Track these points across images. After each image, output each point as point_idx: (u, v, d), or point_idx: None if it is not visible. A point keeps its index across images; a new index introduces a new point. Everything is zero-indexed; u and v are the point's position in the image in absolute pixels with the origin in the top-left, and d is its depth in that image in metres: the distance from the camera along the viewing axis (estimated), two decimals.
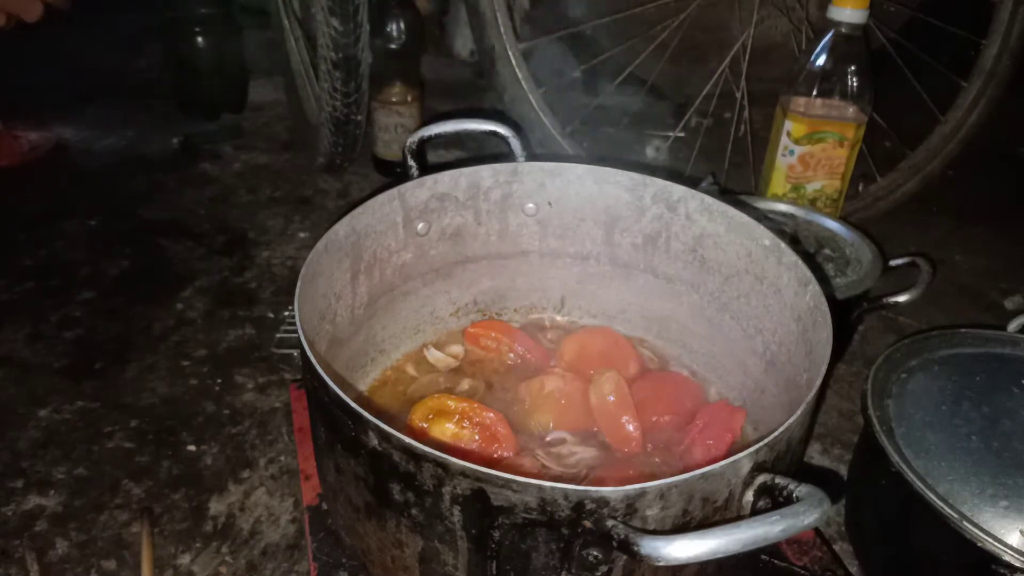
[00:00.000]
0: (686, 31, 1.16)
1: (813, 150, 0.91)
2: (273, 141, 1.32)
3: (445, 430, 0.56)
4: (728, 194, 0.87)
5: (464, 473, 0.36)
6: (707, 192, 0.62)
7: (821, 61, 0.89)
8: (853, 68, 0.88)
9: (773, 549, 0.57)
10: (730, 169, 1.18)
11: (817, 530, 0.60)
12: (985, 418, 0.55)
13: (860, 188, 1.12)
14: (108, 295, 0.90)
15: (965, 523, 0.48)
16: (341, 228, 0.56)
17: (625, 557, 0.36)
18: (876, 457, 0.55)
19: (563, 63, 1.20)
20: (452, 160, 1.27)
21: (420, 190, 0.62)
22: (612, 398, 0.59)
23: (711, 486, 0.37)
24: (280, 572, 0.59)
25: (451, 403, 0.57)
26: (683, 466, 0.56)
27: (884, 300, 0.75)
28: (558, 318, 0.73)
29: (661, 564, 0.32)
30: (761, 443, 0.38)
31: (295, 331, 0.55)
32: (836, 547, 0.62)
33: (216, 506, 0.64)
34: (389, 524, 0.42)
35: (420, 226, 0.63)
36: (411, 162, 0.63)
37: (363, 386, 0.64)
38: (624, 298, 0.70)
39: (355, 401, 0.39)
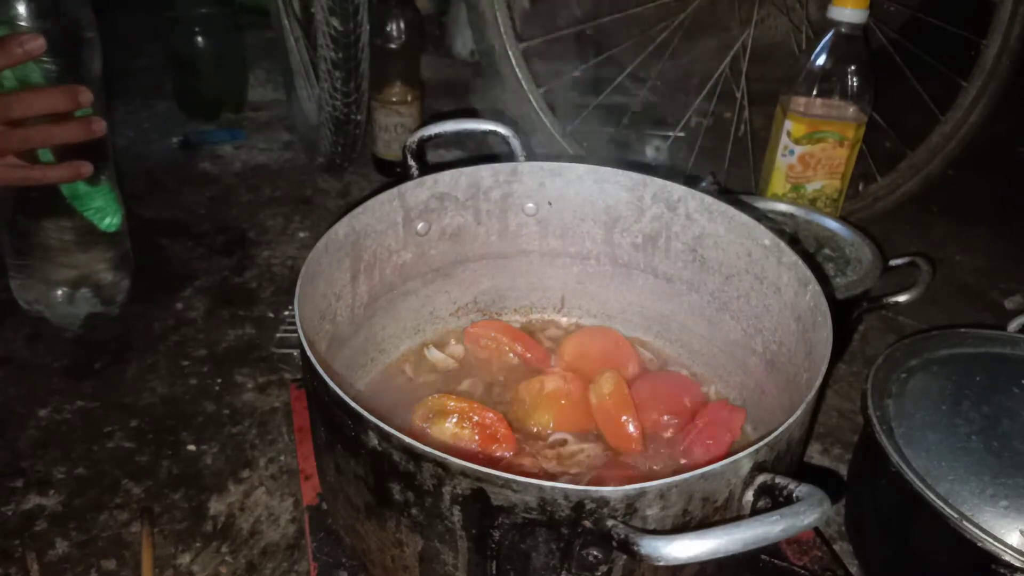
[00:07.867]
0: (686, 31, 1.16)
1: (813, 150, 0.91)
2: (273, 141, 1.32)
3: (445, 430, 0.56)
4: (728, 194, 0.87)
5: (464, 473, 0.36)
6: (707, 192, 0.62)
7: (821, 61, 0.89)
8: (853, 68, 0.88)
9: (773, 549, 0.57)
10: (730, 169, 1.18)
11: (817, 530, 0.60)
12: (985, 418, 0.55)
13: (860, 188, 1.12)
14: None
15: (965, 523, 0.48)
16: (341, 228, 0.56)
17: (625, 557, 0.37)
18: (876, 457, 0.55)
19: (563, 63, 1.20)
20: (452, 160, 1.27)
21: (420, 190, 0.62)
22: (612, 398, 0.59)
23: (711, 486, 0.37)
24: (280, 572, 0.59)
25: (451, 403, 0.57)
26: (683, 466, 0.56)
27: (884, 300, 0.75)
28: (558, 318, 0.73)
29: (661, 564, 0.32)
30: (761, 443, 0.38)
31: (295, 331, 0.55)
32: (836, 547, 0.62)
33: (216, 506, 0.64)
34: (389, 524, 0.42)
35: (420, 226, 0.63)
36: (411, 162, 0.63)
37: (363, 386, 0.64)
38: (624, 298, 0.70)
39: (355, 401, 0.39)
